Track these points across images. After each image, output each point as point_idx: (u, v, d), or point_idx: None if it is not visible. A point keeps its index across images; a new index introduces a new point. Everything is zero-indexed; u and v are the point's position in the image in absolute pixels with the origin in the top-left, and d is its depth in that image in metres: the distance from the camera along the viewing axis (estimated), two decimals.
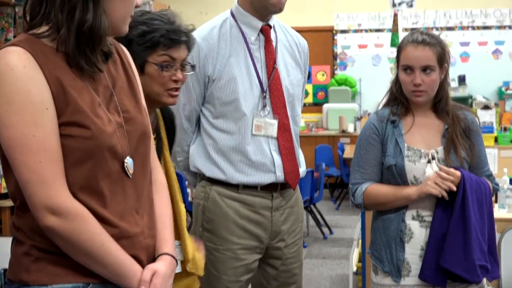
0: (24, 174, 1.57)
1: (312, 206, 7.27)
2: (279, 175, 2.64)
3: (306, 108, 10.15)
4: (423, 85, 2.58)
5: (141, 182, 1.78)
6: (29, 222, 1.63)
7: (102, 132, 1.63)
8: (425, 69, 2.58)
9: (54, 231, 1.59)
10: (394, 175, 2.62)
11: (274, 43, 2.69)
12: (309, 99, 10.27)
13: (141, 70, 2.08)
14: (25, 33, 1.64)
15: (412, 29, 10.10)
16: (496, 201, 4.12)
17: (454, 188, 2.50)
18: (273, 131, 2.63)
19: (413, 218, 2.62)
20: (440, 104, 2.68)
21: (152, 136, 1.90)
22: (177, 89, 2.19)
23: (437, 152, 2.62)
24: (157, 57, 2.11)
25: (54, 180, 1.58)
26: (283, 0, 2.58)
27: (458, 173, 2.52)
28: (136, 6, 1.66)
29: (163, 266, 1.76)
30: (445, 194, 2.51)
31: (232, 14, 2.67)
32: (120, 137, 1.69)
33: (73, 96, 1.61)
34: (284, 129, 2.65)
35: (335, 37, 10.12)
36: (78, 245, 1.61)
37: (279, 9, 2.60)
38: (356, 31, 10.10)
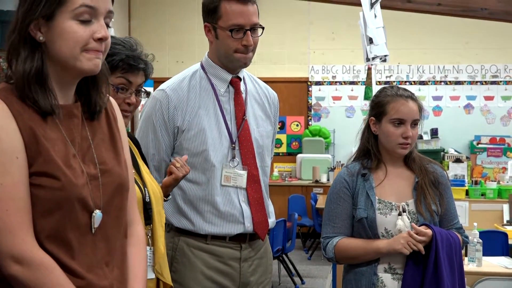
0: None
1: (284, 256, 7.23)
2: (248, 226, 2.63)
3: (280, 157, 10.17)
4: (410, 138, 2.65)
5: (114, 235, 1.76)
6: None
7: (73, 184, 1.62)
8: (414, 122, 2.66)
9: (18, 280, 1.57)
10: (365, 228, 2.63)
11: (244, 95, 2.71)
12: (283, 149, 10.31)
13: None
14: (6, 82, 1.65)
15: (386, 82, 10.22)
16: (466, 255, 4.14)
17: (423, 252, 2.53)
18: (242, 182, 2.63)
19: (385, 271, 2.63)
20: (410, 155, 2.73)
21: (133, 188, 1.89)
22: (128, 112, 2.23)
23: (407, 205, 2.65)
24: (114, 79, 2.16)
25: (20, 229, 1.57)
26: (248, 55, 2.61)
27: (429, 232, 2.54)
28: (105, 39, 1.67)
29: None
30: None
31: (202, 66, 2.70)
32: (93, 189, 1.68)
33: (45, 147, 1.60)
34: (253, 180, 2.66)
35: (310, 88, 10.22)
36: None
37: (243, 64, 2.63)
38: (330, 83, 10.21)
